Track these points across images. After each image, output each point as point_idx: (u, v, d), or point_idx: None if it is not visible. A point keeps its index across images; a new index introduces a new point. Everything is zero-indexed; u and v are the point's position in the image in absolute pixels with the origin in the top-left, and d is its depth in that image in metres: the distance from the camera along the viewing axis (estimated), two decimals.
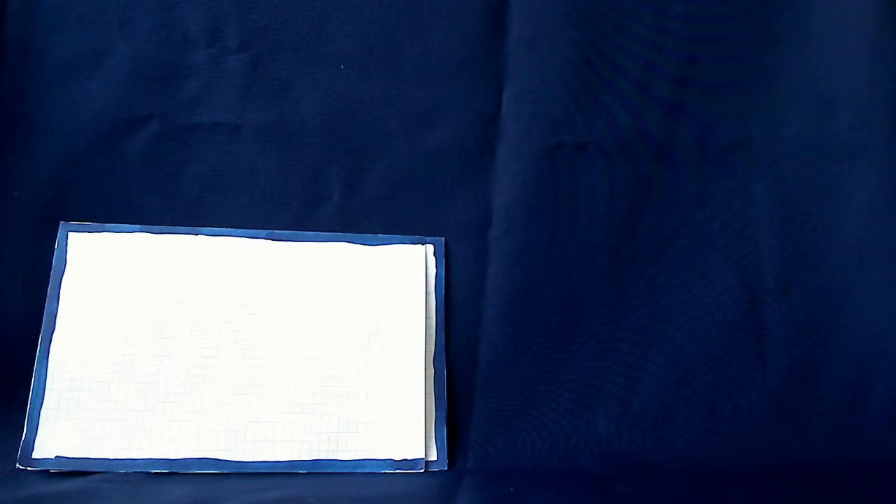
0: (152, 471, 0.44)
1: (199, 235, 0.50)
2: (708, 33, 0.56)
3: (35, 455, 0.44)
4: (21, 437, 0.44)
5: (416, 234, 0.52)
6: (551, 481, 0.46)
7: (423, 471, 0.46)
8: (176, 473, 0.44)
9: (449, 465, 0.47)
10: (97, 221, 0.49)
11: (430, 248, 0.52)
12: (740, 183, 0.54)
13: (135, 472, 0.44)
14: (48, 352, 0.46)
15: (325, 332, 0.49)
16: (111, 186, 0.51)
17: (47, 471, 0.43)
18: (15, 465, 0.43)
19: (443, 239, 0.52)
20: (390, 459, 0.46)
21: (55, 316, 0.47)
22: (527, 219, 0.53)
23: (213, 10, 0.54)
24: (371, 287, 0.50)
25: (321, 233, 0.51)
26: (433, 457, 0.47)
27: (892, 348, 0.52)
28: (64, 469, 0.43)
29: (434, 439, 0.47)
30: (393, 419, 0.47)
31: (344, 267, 0.50)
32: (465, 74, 0.55)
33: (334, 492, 0.42)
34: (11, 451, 0.44)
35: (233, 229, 0.51)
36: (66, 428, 0.44)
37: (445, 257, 0.52)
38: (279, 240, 0.51)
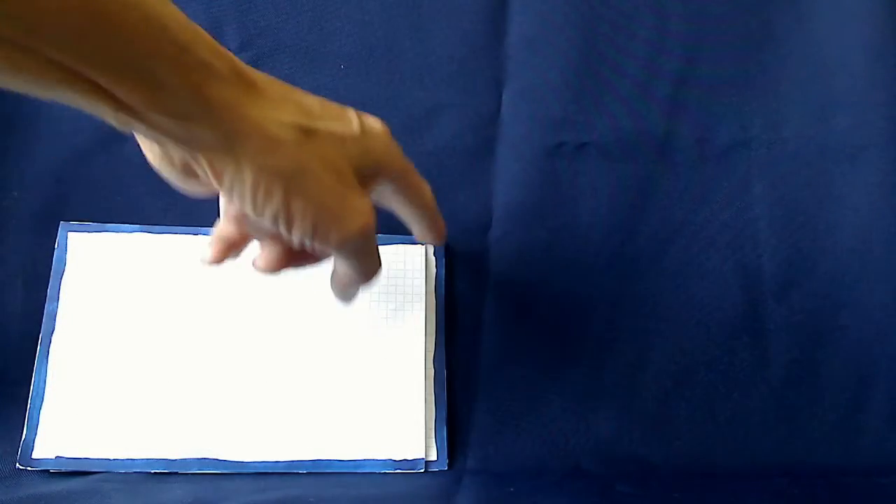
0: (152, 471, 0.44)
1: (199, 235, 0.50)
2: (708, 33, 0.56)
3: (35, 455, 0.44)
4: (21, 437, 0.44)
5: None
6: (551, 481, 0.46)
7: (423, 471, 0.46)
8: (176, 473, 0.44)
9: (449, 465, 0.47)
10: (97, 221, 0.50)
11: (430, 248, 0.52)
12: (740, 183, 0.54)
13: (135, 472, 0.44)
14: (48, 352, 0.46)
15: (325, 332, 0.49)
16: (111, 186, 0.51)
17: (47, 471, 0.43)
18: (15, 465, 0.43)
19: None
20: (390, 459, 0.46)
21: (55, 316, 0.47)
22: (527, 219, 0.53)
23: (213, 10, 0.54)
24: (371, 287, 0.50)
25: None
26: (433, 457, 0.47)
27: (892, 349, 0.52)
28: (64, 469, 0.43)
29: (434, 439, 0.47)
30: (393, 419, 0.47)
31: None
32: (465, 74, 0.55)
33: (334, 492, 0.42)
34: (11, 451, 0.44)
35: None
36: (66, 428, 0.44)
37: (445, 257, 0.52)
38: None
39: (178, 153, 0.29)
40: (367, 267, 0.38)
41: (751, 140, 0.55)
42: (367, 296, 0.50)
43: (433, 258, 0.52)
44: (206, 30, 0.56)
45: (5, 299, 0.50)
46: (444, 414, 0.48)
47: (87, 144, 0.51)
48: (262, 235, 0.37)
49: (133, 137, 0.52)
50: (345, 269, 0.38)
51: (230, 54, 0.29)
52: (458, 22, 0.55)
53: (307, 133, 0.30)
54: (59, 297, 0.47)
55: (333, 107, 0.33)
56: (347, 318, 0.49)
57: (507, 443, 0.49)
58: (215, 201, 0.52)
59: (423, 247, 0.52)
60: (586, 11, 0.55)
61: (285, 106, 0.30)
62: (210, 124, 0.27)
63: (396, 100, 0.54)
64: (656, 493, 0.45)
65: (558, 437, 0.49)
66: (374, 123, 0.35)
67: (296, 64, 0.54)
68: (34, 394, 0.45)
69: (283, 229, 0.31)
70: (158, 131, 0.27)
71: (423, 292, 0.50)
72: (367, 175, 0.34)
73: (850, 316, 0.52)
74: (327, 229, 0.31)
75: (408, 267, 0.51)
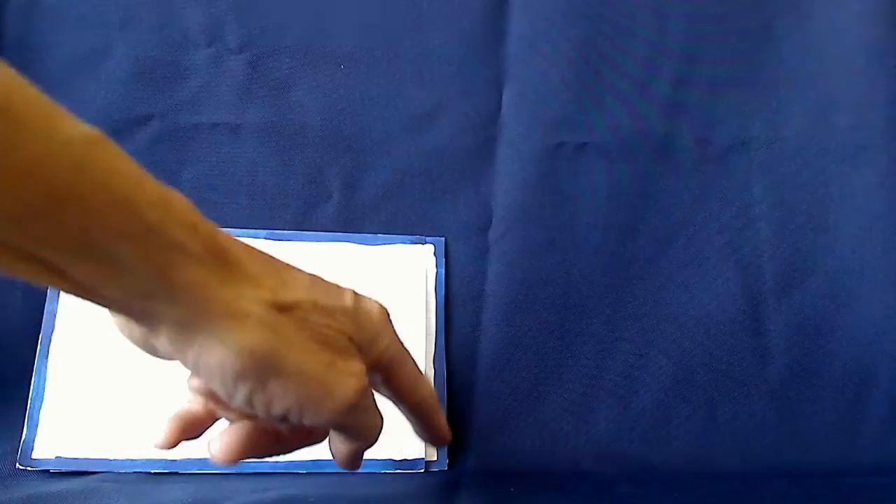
0: (152, 471, 0.44)
1: None
2: (708, 33, 0.56)
3: (35, 455, 0.44)
4: (21, 437, 0.44)
5: (416, 234, 0.52)
6: (551, 481, 0.46)
7: (423, 471, 0.46)
8: (176, 473, 0.44)
9: (449, 465, 0.47)
10: None
11: (430, 248, 0.52)
12: (740, 183, 0.54)
13: (135, 472, 0.44)
14: (48, 352, 0.46)
15: None
16: None
17: (47, 471, 0.43)
18: (15, 465, 0.43)
19: (443, 239, 0.52)
20: (390, 459, 0.46)
21: (55, 316, 0.47)
22: (527, 219, 0.53)
23: (213, 10, 0.54)
24: (371, 287, 0.50)
25: (321, 233, 0.51)
26: (433, 457, 0.47)
27: (892, 348, 0.52)
28: (64, 469, 0.43)
29: None
30: (393, 419, 0.47)
31: (344, 267, 0.50)
32: (465, 74, 0.55)
33: (334, 492, 0.42)
34: (11, 451, 0.44)
35: (233, 229, 0.50)
36: (66, 428, 0.44)
37: (445, 257, 0.52)
38: (279, 240, 0.51)
39: (138, 325, 0.26)
40: (369, 427, 0.34)
41: (751, 140, 0.55)
42: (367, 295, 0.50)
43: (433, 258, 0.52)
44: (206, 30, 0.56)
45: (5, 299, 0.50)
46: (444, 414, 0.48)
47: None
48: (233, 414, 0.33)
49: (132, 137, 0.52)
50: (344, 440, 0.35)
51: (209, 227, 0.26)
52: (458, 22, 0.55)
53: (285, 308, 0.27)
54: (58, 297, 0.47)
55: (327, 283, 0.31)
56: None
57: (507, 443, 0.49)
58: (215, 201, 0.52)
59: (423, 247, 0.52)
60: (586, 11, 0.55)
61: (264, 281, 0.27)
62: (173, 304, 0.25)
63: (396, 100, 0.54)
64: (656, 493, 0.45)
65: (558, 437, 0.49)
66: (371, 304, 0.33)
67: (296, 64, 0.54)
68: (34, 394, 0.45)
69: (260, 411, 0.28)
70: (114, 308, 0.25)
71: (423, 292, 0.50)
72: (365, 350, 0.31)
73: (850, 316, 0.52)
74: (317, 405, 0.28)
75: (408, 267, 0.51)
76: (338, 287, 0.32)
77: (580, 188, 0.54)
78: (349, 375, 0.30)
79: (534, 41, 0.55)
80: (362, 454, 0.37)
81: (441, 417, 0.39)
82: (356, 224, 0.52)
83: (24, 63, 0.51)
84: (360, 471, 0.45)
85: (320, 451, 0.46)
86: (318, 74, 0.54)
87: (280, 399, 0.28)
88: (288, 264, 0.30)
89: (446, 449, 0.47)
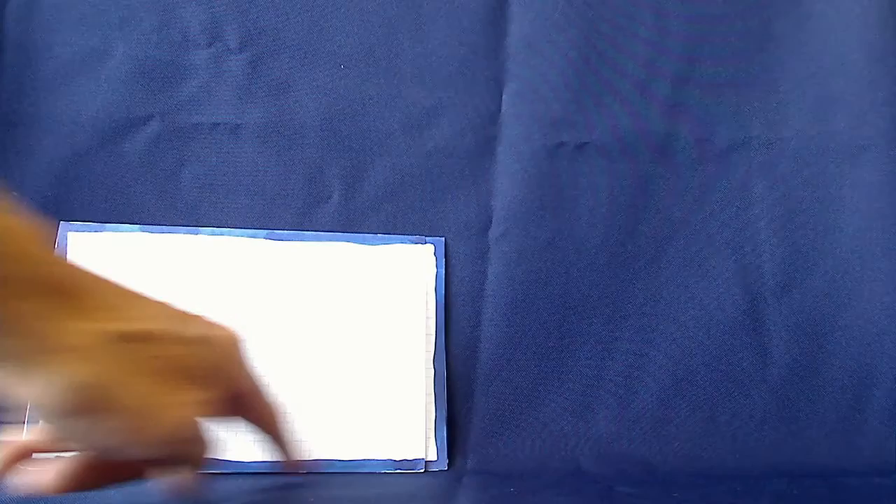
0: None
1: (199, 235, 0.50)
2: (708, 33, 0.56)
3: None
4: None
5: (416, 234, 0.52)
6: (551, 482, 0.46)
7: (422, 471, 0.46)
8: None
9: (449, 465, 0.47)
10: (97, 221, 0.49)
11: (430, 248, 0.52)
12: (740, 183, 0.55)
13: None
14: None
15: (325, 332, 0.49)
16: (111, 186, 0.51)
17: None
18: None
19: (443, 239, 0.52)
20: (390, 459, 0.46)
21: None
22: (527, 219, 0.53)
23: (213, 10, 0.54)
24: (371, 287, 0.50)
25: (321, 233, 0.51)
26: (433, 457, 0.47)
27: (892, 348, 0.52)
28: None
29: (434, 439, 0.47)
30: (393, 419, 0.47)
31: (344, 267, 0.50)
32: (465, 74, 0.55)
33: (334, 492, 0.42)
34: None
35: (233, 229, 0.51)
36: None
37: (445, 257, 0.52)
38: (279, 240, 0.51)
39: None
40: (189, 458, 0.32)
41: (751, 140, 0.55)
42: (367, 295, 0.50)
43: (433, 258, 0.52)
44: (206, 30, 0.56)
45: None
46: (444, 414, 0.48)
47: (86, 144, 0.51)
48: (73, 444, 0.32)
49: (132, 137, 0.52)
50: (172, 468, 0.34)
51: (52, 258, 0.26)
52: (458, 22, 0.55)
53: (129, 338, 0.27)
54: None
55: (178, 311, 0.31)
56: (348, 318, 0.49)
57: (507, 443, 0.49)
58: (215, 201, 0.52)
59: (423, 247, 0.52)
60: (586, 11, 0.55)
61: (109, 313, 0.27)
62: (7, 337, 0.24)
63: (396, 100, 0.54)
64: (656, 493, 0.45)
65: (558, 437, 0.49)
66: (222, 332, 0.32)
67: (296, 64, 0.54)
68: None
69: (92, 444, 0.28)
70: None
71: (424, 292, 0.50)
72: (207, 380, 0.31)
73: (850, 316, 0.52)
74: (145, 432, 0.28)
75: (408, 267, 0.51)
76: (189, 315, 0.31)
77: (580, 188, 0.54)
78: (176, 406, 0.29)
79: (534, 41, 0.55)
80: (193, 482, 0.36)
81: (287, 442, 0.38)
82: (356, 224, 0.52)
83: (24, 63, 0.51)
84: (360, 471, 0.45)
85: (320, 452, 0.46)
86: (317, 74, 0.54)
87: (109, 433, 0.27)
88: (139, 294, 0.30)
89: (446, 449, 0.47)
